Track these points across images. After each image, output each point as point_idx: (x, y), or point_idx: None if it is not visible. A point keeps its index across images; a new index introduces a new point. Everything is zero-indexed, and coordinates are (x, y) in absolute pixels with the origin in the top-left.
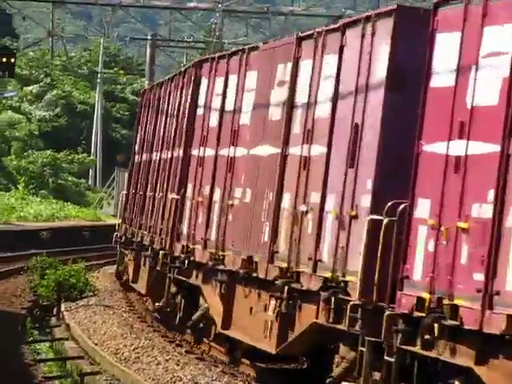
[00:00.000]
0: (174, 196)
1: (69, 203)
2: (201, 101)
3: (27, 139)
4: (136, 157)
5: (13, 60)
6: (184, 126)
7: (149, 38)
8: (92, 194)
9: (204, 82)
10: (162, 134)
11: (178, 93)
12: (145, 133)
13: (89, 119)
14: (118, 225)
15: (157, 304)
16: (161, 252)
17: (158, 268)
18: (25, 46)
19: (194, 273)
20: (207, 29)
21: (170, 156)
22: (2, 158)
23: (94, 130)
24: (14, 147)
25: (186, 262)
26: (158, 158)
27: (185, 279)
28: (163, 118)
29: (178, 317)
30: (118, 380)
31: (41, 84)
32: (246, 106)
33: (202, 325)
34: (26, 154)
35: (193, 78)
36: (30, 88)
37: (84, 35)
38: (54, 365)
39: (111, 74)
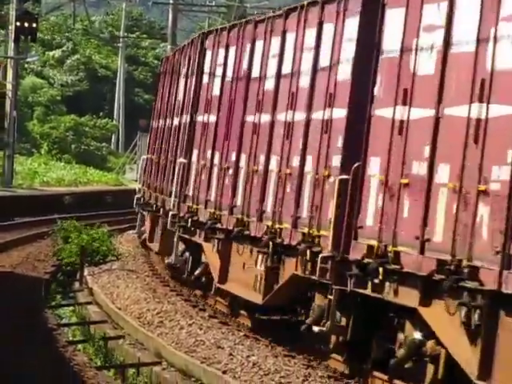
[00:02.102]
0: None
1: (91, 168)
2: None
3: (49, 104)
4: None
5: (35, 25)
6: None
7: (171, 2)
8: (114, 159)
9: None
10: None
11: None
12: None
13: (111, 84)
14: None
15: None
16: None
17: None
18: (47, 10)
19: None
20: None
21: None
22: (25, 123)
23: (116, 95)
24: (37, 112)
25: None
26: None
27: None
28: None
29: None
30: (141, 344)
31: (63, 49)
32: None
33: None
34: (48, 119)
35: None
36: (52, 53)
37: None
38: (77, 329)
39: (133, 39)
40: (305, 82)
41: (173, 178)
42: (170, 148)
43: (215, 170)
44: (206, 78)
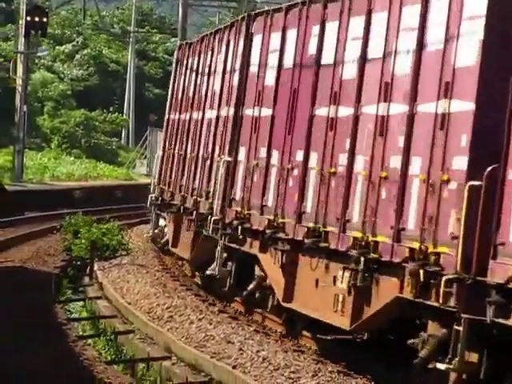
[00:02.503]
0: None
1: (101, 163)
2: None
3: (60, 99)
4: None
5: (45, 19)
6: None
7: None
8: (124, 154)
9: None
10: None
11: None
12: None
13: (121, 79)
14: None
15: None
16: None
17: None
18: (57, 5)
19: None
20: None
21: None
22: (35, 118)
23: (126, 90)
24: (47, 107)
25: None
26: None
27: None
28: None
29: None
30: (151, 339)
31: (73, 43)
32: None
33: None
34: (58, 113)
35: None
36: (63, 47)
37: None
38: (87, 324)
39: (144, 33)
40: (404, 68)
41: (209, 178)
42: (204, 144)
43: (273, 170)
44: (254, 67)
